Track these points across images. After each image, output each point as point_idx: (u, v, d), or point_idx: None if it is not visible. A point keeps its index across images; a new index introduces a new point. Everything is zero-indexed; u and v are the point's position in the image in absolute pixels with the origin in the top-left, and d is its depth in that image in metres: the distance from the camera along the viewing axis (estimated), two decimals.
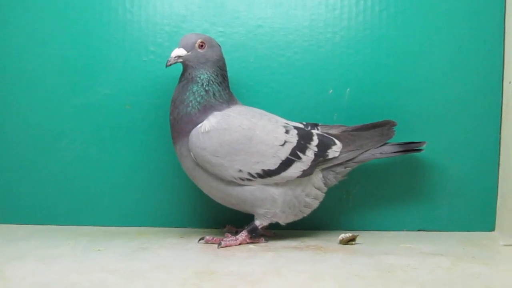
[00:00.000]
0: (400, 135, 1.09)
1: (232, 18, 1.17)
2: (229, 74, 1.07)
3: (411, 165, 1.16)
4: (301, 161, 1.01)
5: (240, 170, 0.99)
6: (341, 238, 1.04)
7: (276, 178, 1.00)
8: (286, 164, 1.00)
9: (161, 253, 0.96)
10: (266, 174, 0.99)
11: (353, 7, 1.16)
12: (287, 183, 1.01)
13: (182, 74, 1.02)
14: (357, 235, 1.05)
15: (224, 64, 1.04)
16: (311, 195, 1.04)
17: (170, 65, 1.00)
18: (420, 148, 1.08)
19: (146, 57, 1.16)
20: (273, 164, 0.99)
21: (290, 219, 1.04)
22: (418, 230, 1.16)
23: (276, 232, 1.11)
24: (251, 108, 1.05)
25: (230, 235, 1.05)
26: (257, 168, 0.99)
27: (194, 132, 0.98)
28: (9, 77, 1.16)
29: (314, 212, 1.09)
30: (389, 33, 1.16)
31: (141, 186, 1.17)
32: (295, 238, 1.09)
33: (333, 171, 1.06)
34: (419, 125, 1.15)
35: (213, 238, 1.03)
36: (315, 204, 1.06)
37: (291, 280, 0.81)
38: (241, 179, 0.99)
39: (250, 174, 0.99)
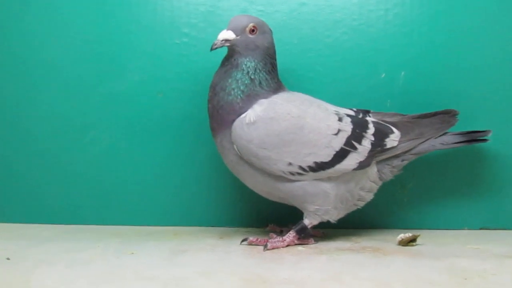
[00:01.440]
0: (462, 124, 1.00)
1: None
2: None
3: (472, 156, 1.07)
4: (357, 152, 0.92)
5: (290, 163, 0.90)
6: (400, 239, 0.95)
7: (330, 171, 0.91)
8: (340, 155, 0.91)
9: (201, 256, 0.87)
10: (319, 167, 0.91)
11: None
12: (340, 176, 0.93)
13: (226, 58, 0.94)
14: (418, 235, 0.96)
15: (274, 51, 0.96)
16: (365, 188, 0.96)
17: (216, 48, 0.92)
18: (485, 138, 1.00)
19: (179, 39, 1.07)
20: (326, 156, 0.90)
21: (342, 214, 0.97)
22: (480, 229, 1.08)
23: (325, 231, 1.02)
24: (298, 94, 0.96)
25: (275, 236, 0.96)
26: (309, 161, 0.90)
27: (237, 122, 0.90)
28: (30, 66, 1.09)
29: (365, 209, 1.01)
30: (448, 9, 1.06)
31: (175, 182, 1.09)
32: (346, 238, 1.00)
33: (388, 164, 0.97)
34: (483, 112, 1.07)
35: (257, 239, 0.94)
36: (369, 197, 0.98)
37: None
38: (291, 173, 0.90)
39: (301, 167, 0.90)
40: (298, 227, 0.94)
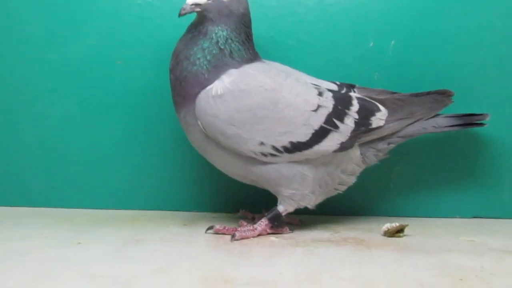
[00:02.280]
0: (457, 105, 0.93)
1: None
2: None
3: (466, 141, 1.00)
4: (339, 131, 0.83)
5: (262, 143, 0.81)
6: (386, 229, 0.87)
7: (307, 153, 0.82)
8: (320, 134, 0.82)
9: (159, 248, 0.77)
10: (295, 147, 0.82)
11: None
12: (319, 158, 0.84)
13: (194, 25, 0.85)
14: (406, 225, 0.87)
15: (250, 20, 0.87)
16: (347, 171, 0.89)
17: (185, 14, 0.82)
18: (481, 121, 0.93)
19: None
20: (303, 135, 0.81)
21: (321, 199, 0.89)
22: (473, 217, 1.02)
23: (301, 219, 0.94)
24: (275, 63, 0.87)
25: (246, 224, 0.87)
26: (284, 140, 0.81)
27: (202, 95, 0.81)
28: None
29: (347, 194, 0.94)
30: None
31: (135, 160, 1.02)
32: (325, 227, 0.92)
33: (373, 147, 0.89)
34: (479, 90, 1.00)
35: (224, 228, 0.85)
36: (351, 180, 0.91)
37: None
38: (263, 154, 0.81)
39: (274, 147, 0.81)
40: (271, 214, 0.85)
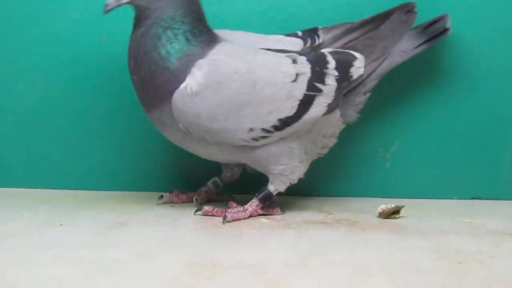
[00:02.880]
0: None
1: None
2: None
3: (464, 119, 0.97)
4: (323, 94, 0.81)
5: (251, 129, 0.78)
6: (382, 210, 0.84)
7: (297, 125, 0.80)
8: (305, 103, 0.80)
9: (144, 231, 0.74)
10: (284, 123, 0.79)
11: None
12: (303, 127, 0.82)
13: (137, 19, 0.79)
14: (402, 206, 0.84)
15: None
16: (328, 134, 0.87)
17: (110, 10, 0.76)
18: (445, 28, 0.88)
19: None
20: (290, 109, 0.79)
21: (307, 167, 0.85)
22: (472, 199, 0.99)
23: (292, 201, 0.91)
24: (235, 35, 0.84)
25: (235, 205, 0.83)
26: (272, 120, 0.78)
27: (177, 96, 0.76)
28: None
29: (341, 175, 0.95)
30: None
31: (121, 138, 0.98)
32: (318, 208, 0.88)
33: (352, 104, 0.87)
34: (480, 65, 0.94)
35: (213, 209, 0.82)
36: (333, 142, 0.89)
37: (327, 278, 0.58)
38: (254, 139, 0.78)
39: (264, 129, 0.78)
40: (262, 194, 0.82)
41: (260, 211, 0.82)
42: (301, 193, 0.94)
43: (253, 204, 0.82)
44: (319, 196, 0.96)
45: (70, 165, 0.98)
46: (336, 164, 0.96)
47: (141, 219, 0.79)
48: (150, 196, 0.93)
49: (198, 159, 0.89)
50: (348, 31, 0.88)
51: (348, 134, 0.93)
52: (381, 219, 0.83)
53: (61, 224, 0.75)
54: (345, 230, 0.76)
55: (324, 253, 0.66)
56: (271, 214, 0.83)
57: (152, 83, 0.77)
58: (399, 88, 0.95)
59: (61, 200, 0.90)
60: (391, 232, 0.75)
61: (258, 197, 0.82)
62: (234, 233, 0.73)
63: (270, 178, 0.83)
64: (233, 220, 0.79)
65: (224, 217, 0.78)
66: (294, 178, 0.83)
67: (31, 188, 0.98)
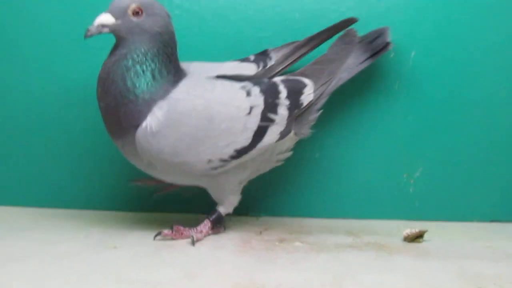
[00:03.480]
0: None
1: None
2: (270, 33, 0.95)
3: (483, 145, 1.01)
4: (276, 123, 0.85)
5: (210, 160, 0.82)
6: (406, 235, 0.88)
7: (253, 152, 0.85)
8: (259, 133, 0.84)
9: (189, 253, 0.80)
10: (240, 153, 0.83)
11: None
12: None
13: (115, 46, 0.81)
14: (425, 231, 0.89)
15: (172, 37, 0.83)
16: (282, 151, 0.91)
17: (91, 35, 0.79)
18: (387, 42, 0.92)
19: (171, 11, 0.95)
20: (245, 140, 0.83)
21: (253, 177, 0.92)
22: (491, 221, 1.02)
23: (320, 223, 0.97)
24: (196, 67, 0.87)
25: (183, 228, 0.86)
26: (229, 151, 0.83)
27: (140, 134, 0.79)
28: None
29: (368, 198, 1.00)
30: None
31: None
32: (347, 231, 0.93)
33: (305, 123, 0.91)
34: (500, 96, 0.99)
35: (172, 233, 0.86)
36: (287, 155, 0.92)
37: None
38: (213, 168, 0.83)
39: (222, 160, 0.83)
40: (214, 216, 0.88)
41: (210, 232, 0.87)
42: (331, 215, 1.00)
43: (206, 226, 0.87)
44: (347, 218, 1.00)
45: (117, 187, 1.01)
46: (363, 188, 1.01)
47: (185, 241, 0.84)
48: (191, 218, 0.95)
49: None
50: (297, 48, 0.91)
51: (374, 161, 0.99)
52: (406, 243, 0.86)
53: (115, 247, 0.80)
54: (373, 253, 0.80)
55: (355, 276, 0.71)
56: (217, 232, 0.88)
57: (116, 113, 0.79)
58: (423, 119, 0.99)
59: (112, 221, 0.95)
60: (416, 256, 0.79)
61: (211, 219, 0.87)
62: (271, 256, 0.78)
63: (220, 201, 0.88)
64: (198, 241, 0.84)
65: (192, 239, 0.83)
66: (239, 195, 0.89)
67: (82, 209, 1.01)
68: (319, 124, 0.94)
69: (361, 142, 1.00)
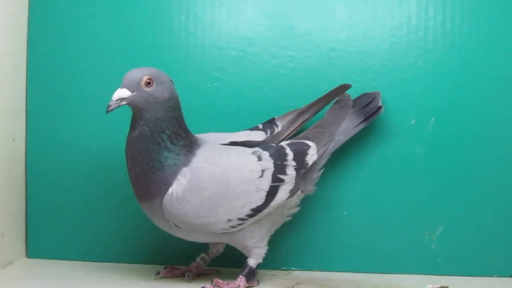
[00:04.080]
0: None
1: (303, 41, 1.08)
2: (301, 101, 1.03)
3: (500, 202, 1.06)
4: (285, 183, 0.94)
5: (230, 220, 0.91)
6: None
7: (267, 210, 0.93)
8: (271, 193, 0.93)
9: None
10: (256, 211, 0.92)
11: (439, 27, 1.06)
12: None
13: (134, 119, 0.89)
14: (447, 287, 0.95)
15: (177, 102, 0.91)
16: (292, 206, 1.00)
17: (112, 110, 0.87)
18: (379, 105, 1.02)
19: (210, 84, 1.08)
20: (259, 199, 0.92)
21: (273, 232, 0.99)
22: (510, 276, 1.06)
23: (347, 277, 1.03)
24: (209, 138, 0.96)
25: (220, 281, 0.94)
26: (246, 211, 0.91)
27: (167, 200, 0.88)
28: (63, 105, 1.11)
29: (393, 253, 1.05)
30: (479, 56, 1.05)
31: None
32: (374, 285, 0.99)
33: (309, 181, 1.00)
34: None
35: (213, 286, 0.94)
36: (296, 210, 1.01)
37: None
38: (232, 226, 0.92)
39: (240, 219, 0.91)
40: (246, 270, 0.95)
41: (247, 285, 0.94)
42: (358, 270, 1.06)
43: (242, 280, 0.93)
44: (373, 272, 1.06)
45: (163, 244, 1.07)
46: (388, 245, 1.06)
47: None
48: (226, 271, 1.03)
49: None
50: (300, 115, 1.01)
51: (398, 219, 1.06)
52: None
53: None
54: None
55: None
56: (252, 286, 0.95)
57: (145, 180, 0.88)
58: (442, 180, 1.06)
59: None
60: None
61: (244, 273, 0.94)
62: None
63: (247, 253, 0.95)
64: None
65: None
66: (265, 246, 0.96)
67: (129, 263, 1.09)
68: (347, 182, 1.05)
69: (386, 202, 1.07)
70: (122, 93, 0.86)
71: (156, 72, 0.89)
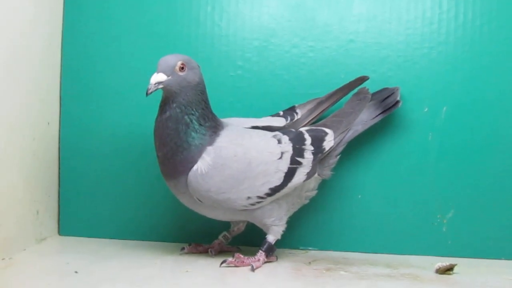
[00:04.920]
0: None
1: (323, 32, 1.13)
2: (320, 89, 1.09)
3: (508, 188, 1.11)
4: (303, 166, 0.99)
5: (249, 197, 0.97)
6: (438, 267, 0.99)
7: (284, 191, 0.99)
8: (289, 174, 0.98)
9: (249, 277, 0.93)
10: (274, 190, 0.97)
11: (452, 20, 1.10)
12: None
13: (164, 103, 0.95)
14: (455, 264, 1.00)
15: (204, 86, 0.97)
16: (309, 189, 1.05)
17: (151, 93, 0.92)
18: (397, 100, 1.07)
19: (234, 72, 1.14)
20: (278, 180, 0.97)
21: (292, 213, 1.05)
22: None
23: (362, 256, 1.09)
24: (233, 122, 1.02)
25: (242, 256, 0.99)
26: (265, 189, 0.97)
27: (192, 176, 0.94)
28: (94, 90, 1.18)
29: (406, 236, 1.10)
30: (490, 49, 1.10)
31: None
32: (387, 264, 1.05)
33: (326, 166, 1.05)
34: None
35: (235, 261, 0.99)
36: (314, 193, 1.07)
37: None
38: (252, 204, 0.98)
39: (259, 197, 0.97)
40: (265, 246, 1.01)
41: (266, 260, 1.00)
42: (372, 250, 1.12)
43: (262, 255, 0.99)
44: (387, 253, 1.11)
45: (189, 224, 1.14)
46: (402, 227, 1.12)
47: (245, 269, 0.97)
48: (248, 250, 1.08)
49: None
50: (319, 104, 1.07)
51: (411, 203, 1.11)
52: (437, 275, 0.97)
53: (187, 271, 0.94)
54: (408, 283, 0.92)
55: None
56: (271, 261, 1.01)
57: (173, 159, 0.94)
58: (454, 166, 1.11)
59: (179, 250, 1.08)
60: (446, 286, 0.90)
61: (263, 249, 1.00)
62: (319, 282, 0.91)
63: (266, 229, 1.01)
64: (257, 268, 0.97)
65: (252, 267, 0.96)
66: (283, 225, 1.01)
67: (158, 241, 1.15)
68: (363, 167, 1.11)
69: (399, 186, 1.12)
70: (159, 77, 0.92)
71: (187, 58, 0.95)
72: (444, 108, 1.11)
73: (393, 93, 1.07)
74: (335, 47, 1.13)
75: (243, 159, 0.96)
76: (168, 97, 0.94)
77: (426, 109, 1.11)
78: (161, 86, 0.92)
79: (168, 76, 0.93)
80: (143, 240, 1.17)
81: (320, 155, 1.01)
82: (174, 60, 0.94)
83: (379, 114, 1.07)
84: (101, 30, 1.16)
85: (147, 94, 0.92)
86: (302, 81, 1.13)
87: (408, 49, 1.11)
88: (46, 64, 1.14)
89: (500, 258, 1.11)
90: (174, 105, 0.94)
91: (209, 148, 0.95)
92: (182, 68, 0.94)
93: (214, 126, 0.97)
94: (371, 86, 1.08)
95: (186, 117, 0.94)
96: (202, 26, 1.15)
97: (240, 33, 1.14)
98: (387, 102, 1.07)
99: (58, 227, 1.19)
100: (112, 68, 1.16)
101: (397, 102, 1.07)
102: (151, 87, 0.91)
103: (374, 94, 1.08)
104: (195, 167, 0.94)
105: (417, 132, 1.11)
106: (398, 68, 1.11)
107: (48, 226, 1.16)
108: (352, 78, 1.09)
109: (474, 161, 1.11)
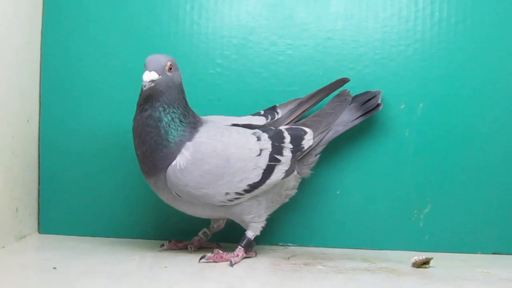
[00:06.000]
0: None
1: (300, 30, 1.15)
2: (299, 86, 1.11)
3: (487, 182, 1.13)
4: (281, 163, 1.00)
5: (227, 193, 0.97)
6: (414, 261, 1.01)
7: (262, 188, 0.99)
8: (268, 171, 0.99)
9: (228, 271, 0.94)
10: (252, 187, 0.98)
11: (428, 18, 1.12)
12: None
13: (145, 101, 0.95)
14: (431, 258, 1.01)
15: (182, 85, 0.98)
16: (289, 187, 1.05)
17: (148, 88, 0.92)
18: (378, 103, 1.08)
19: (213, 69, 1.15)
20: (256, 176, 0.98)
21: (270, 212, 1.05)
22: (493, 253, 1.13)
23: (340, 251, 1.10)
24: (215, 123, 1.02)
25: (221, 252, 1.00)
26: (243, 186, 0.98)
27: (170, 171, 0.95)
28: (74, 88, 1.18)
29: (383, 231, 1.12)
30: (465, 46, 1.12)
31: None
32: (364, 258, 1.06)
33: (306, 164, 1.06)
34: (497, 143, 1.13)
35: (215, 256, 0.99)
36: (294, 192, 1.07)
37: None
38: (230, 200, 0.98)
39: (237, 193, 0.98)
40: (244, 242, 1.01)
41: (245, 255, 1.01)
42: (350, 246, 1.13)
43: (241, 250, 1.00)
44: (364, 248, 1.13)
45: (168, 220, 1.14)
46: (379, 222, 1.13)
47: (224, 264, 0.98)
48: (226, 246, 1.10)
49: None
50: (301, 105, 1.08)
51: (388, 198, 1.12)
52: (414, 268, 0.98)
53: (166, 266, 0.95)
54: (385, 276, 0.93)
55: None
56: (250, 257, 1.02)
57: (152, 157, 0.95)
58: (431, 162, 1.12)
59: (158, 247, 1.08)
60: (421, 279, 0.91)
61: (242, 244, 1.01)
62: (297, 276, 0.92)
63: (245, 226, 1.02)
64: (236, 263, 0.97)
65: (230, 262, 0.97)
66: (263, 221, 1.02)
67: (136, 238, 1.15)
68: (341, 163, 1.12)
69: (377, 181, 1.14)
70: (152, 75, 0.92)
71: (173, 59, 0.97)
72: (421, 105, 1.12)
73: (374, 96, 1.08)
74: (312, 44, 1.14)
75: (222, 155, 0.96)
76: (151, 96, 0.95)
77: (403, 106, 1.13)
78: (153, 84, 0.92)
79: (159, 75, 0.93)
80: (123, 238, 1.17)
81: (299, 153, 1.02)
82: (164, 60, 0.95)
83: (360, 116, 1.08)
84: (81, 28, 1.16)
85: (142, 90, 0.93)
86: (280, 78, 1.14)
87: (384, 47, 1.13)
88: (26, 61, 1.14)
89: (476, 252, 1.12)
90: (158, 104, 0.94)
91: (188, 144, 0.96)
92: (170, 69, 0.95)
93: (193, 122, 0.98)
94: (349, 84, 1.10)
95: (168, 116, 0.95)
96: (181, 24, 1.15)
97: (219, 31, 1.15)
98: (368, 105, 1.08)
99: (38, 225, 1.19)
100: (91, 66, 1.16)
101: (378, 105, 1.08)
102: (147, 85, 0.92)
103: (355, 96, 1.09)
104: (174, 163, 0.95)
105: (394, 129, 1.13)
106: (375, 65, 1.13)
107: (27, 224, 1.16)
108: (330, 76, 1.11)
109: (450, 157, 1.13)
